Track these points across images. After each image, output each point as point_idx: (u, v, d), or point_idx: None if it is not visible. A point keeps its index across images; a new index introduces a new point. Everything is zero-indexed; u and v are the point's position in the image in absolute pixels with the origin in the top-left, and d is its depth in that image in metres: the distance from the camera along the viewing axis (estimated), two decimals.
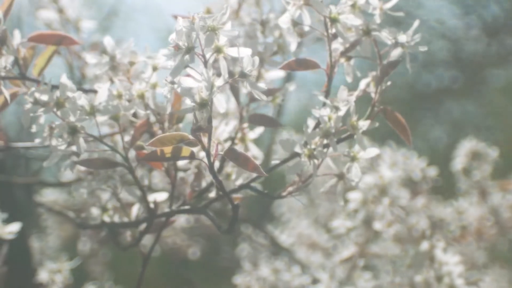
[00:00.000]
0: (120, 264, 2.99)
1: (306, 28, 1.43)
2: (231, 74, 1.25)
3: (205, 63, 1.21)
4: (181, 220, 2.41)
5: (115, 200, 1.53)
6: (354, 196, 1.95)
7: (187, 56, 1.21)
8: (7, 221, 1.68)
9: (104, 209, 1.54)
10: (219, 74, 1.21)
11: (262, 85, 1.24)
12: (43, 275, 1.86)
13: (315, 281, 1.99)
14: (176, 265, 2.63)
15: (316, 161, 1.35)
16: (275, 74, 1.59)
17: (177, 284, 2.66)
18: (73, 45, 1.42)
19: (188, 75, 1.22)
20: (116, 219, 1.54)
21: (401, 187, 2.17)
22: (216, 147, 1.26)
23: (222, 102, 1.22)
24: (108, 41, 1.46)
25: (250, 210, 2.49)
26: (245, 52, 1.22)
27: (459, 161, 2.40)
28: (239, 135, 1.56)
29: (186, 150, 1.27)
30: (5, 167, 1.89)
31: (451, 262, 1.83)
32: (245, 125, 1.56)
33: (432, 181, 2.24)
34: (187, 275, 2.58)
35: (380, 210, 1.94)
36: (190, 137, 1.24)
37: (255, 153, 1.57)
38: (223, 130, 1.55)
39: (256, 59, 1.23)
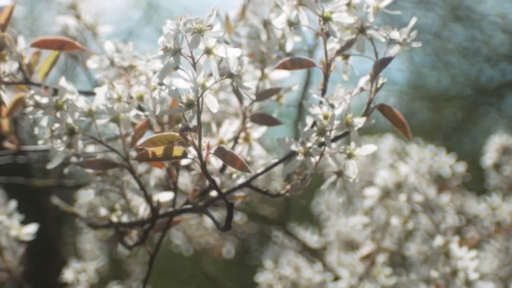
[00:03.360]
0: (160, 263, 3.03)
1: (304, 28, 1.44)
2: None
3: (194, 64, 1.23)
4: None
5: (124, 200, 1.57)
6: (371, 192, 1.95)
7: (171, 58, 1.23)
8: (32, 223, 1.74)
9: (112, 209, 1.57)
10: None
11: (248, 84, 1.25)
12: (68, 275, 1.89)
13: (337, 278, 2.00)
14: (210, 263, 2.66)
15: (312, 159, 1.36)
16: (280, 74, 1.60)
17: (204, 281, 2.69)
18: (75, 50, 1.46)
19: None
20: (125, 219, 1.57)
21: (430, 183, 2.16)
22: (207, 146, 1.28)
23: (214, 102, 1.24)
24: (108, 46, 1.49)
25: (283, 210, 2.50)
26: (231, 53, 1.24)
27: (489, 157, 2.38)
28: (242, 134, 1.58)
29: (178, 150, 1.29)
30: (27, 170, 1.95)
31: (466, 257, 1.82)
32: (249, 124, 1.57)
33: (462, 177, 2.23)
34: (212, 273, 2.60)
35: (397, 205, 1.94)
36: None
37: (259, 152, 1.59)
38: (226, 130, 1.58)
39: (245, 59, 1.24)
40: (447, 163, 2.21)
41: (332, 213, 2.68)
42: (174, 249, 2.56)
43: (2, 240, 1.73)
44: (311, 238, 2.51)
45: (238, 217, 2.49)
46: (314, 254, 2.30)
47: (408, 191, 1.93)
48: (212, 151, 1.27)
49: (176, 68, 1.23)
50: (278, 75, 1.60)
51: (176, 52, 1.23)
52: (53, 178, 1.93)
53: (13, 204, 1.72)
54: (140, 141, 1.45)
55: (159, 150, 1.29)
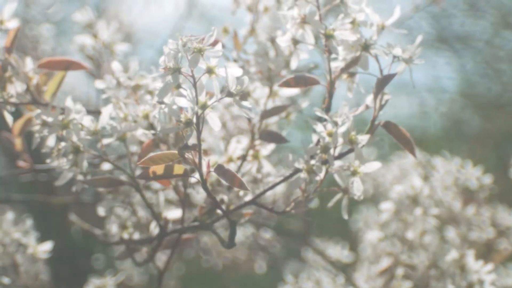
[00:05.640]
0: (194, 278, 3.04)
1: (310, 47, 1.45)
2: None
3: (194, 84, 1.24)
4: (238, 235, 2.43)
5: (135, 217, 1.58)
6: (387, 207, 1.94)
7: (169, 77, 1.24)
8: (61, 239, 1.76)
9: (123, 227, 1.58)
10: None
11: (247, 103, 1.26)
12: None
13: None
14: (240, 278, 2.66)
15: (317, 176, 1.36)
16: (290, 91, 1.60)
17: None
18: (81, 69, 1.48)
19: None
20: (137, 236, 1.58)
21: (456, 196, 2.15)
22: (208, 164, 1.29)
23: (216, 121, 1.25)
24: (115, 66, 1.51)
25: (304, 225, 2.49)
26: (231, 72, 1.24)
27: None
28: (251, 152, 1.58)
29: (178, 168, 1.30)
30: (50, 187, 1.97)
31: (482, 270, 1.79)
32: (257, 142, 1.57)
33: (489, 189, 2.20)
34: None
35: (412, 219, 1.93)
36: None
37: (268, 169, 1.59)
38: (235, 147, 1.58)
39: (246, 78, 1.25)
40: (473, 175, 2.19)
41: (369, 229, 2.66)
42: (204, 264, 2.56)
43: (21, 257, 1.75)
44: (341, 252, 2.50)
45: (268, 234, 2.50)
46: (340, 269, 2.29)
47: (424, 205, 1.92)
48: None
49: (178, 87, 1.24)
50: (287, 92, 1.60)
51: (175, 71, 1.23)
52: (72, 195, 1.95)
53: (29, 221, 1.74)
54: None
55: (160, 169, 1.31)
